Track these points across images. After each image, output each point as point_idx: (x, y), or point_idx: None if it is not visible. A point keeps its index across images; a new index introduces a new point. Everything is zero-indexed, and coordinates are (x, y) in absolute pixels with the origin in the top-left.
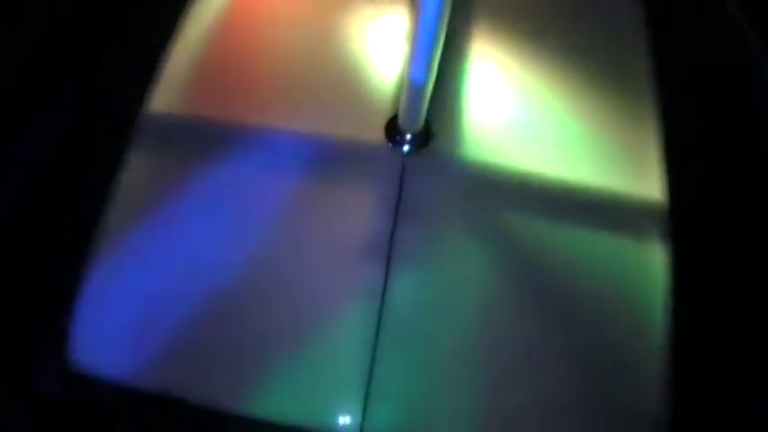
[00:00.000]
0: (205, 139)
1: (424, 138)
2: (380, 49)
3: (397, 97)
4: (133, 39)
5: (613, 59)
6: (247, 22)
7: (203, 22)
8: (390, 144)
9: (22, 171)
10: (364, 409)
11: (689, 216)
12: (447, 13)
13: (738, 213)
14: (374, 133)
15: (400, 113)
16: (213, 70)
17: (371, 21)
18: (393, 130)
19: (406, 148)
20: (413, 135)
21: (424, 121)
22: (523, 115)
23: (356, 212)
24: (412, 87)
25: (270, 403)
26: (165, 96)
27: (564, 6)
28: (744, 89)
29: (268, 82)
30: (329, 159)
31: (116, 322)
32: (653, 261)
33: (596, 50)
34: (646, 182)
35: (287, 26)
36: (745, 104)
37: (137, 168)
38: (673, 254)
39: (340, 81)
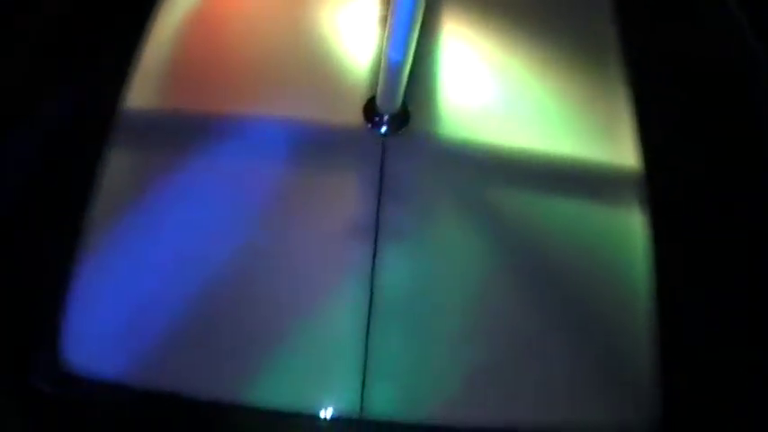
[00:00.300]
0: (184, 132)
1: (402, 118)
2: (355, 33)
3: (373, 79)
4: (113, 37)
5: (583, 36)
6: (220, 12)
7: (176, 15)
8: (369, 125)
9: (11, 170)
10: (362, 390)
11: (667, 182)
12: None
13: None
14: (352, 116)
15: (378, 95)
16: (188, 63)
17: (345, 5)
18: (371, 111)
19: (384, 129)
20: (391, 116)
21: (402, 102)
22: (498, 93)
23: (340, 195)
24: (389, 69)
25: (267, 391)
26: (142, 92)
27: None
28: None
29: (244, 71)
30: (309, 144)
31: (106, 320)
32: (632, 225)
33: (566, 28)
34: (620, 150)
35: (261, 13)
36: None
37: (118, 165)
38: (651, 218)
39: (316, 66)
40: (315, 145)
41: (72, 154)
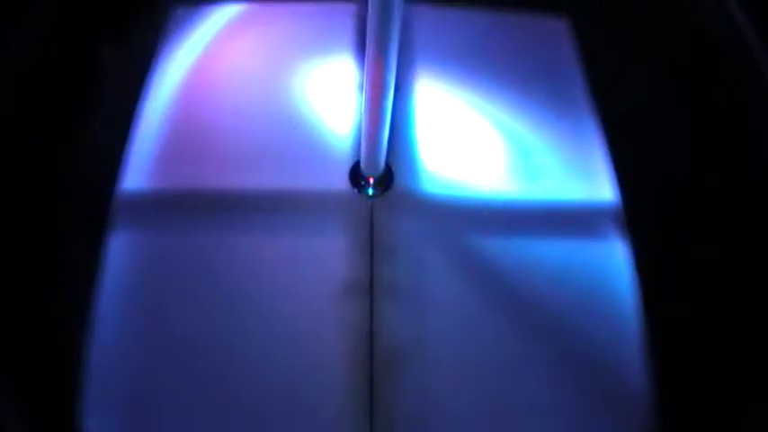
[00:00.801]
0: (179, 210)
1: (387, 179)
2: (335, 101)
3: (356, 145)
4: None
5: (546, 77)
6: (205, 90)
7: (163, 95)
8: (356, 189)
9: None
10: None
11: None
12: (393, 66)
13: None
14: (339, 181)
15: (362, 160)
16: (178, 140)
17: (324, 74)
18: (357, 175)
19: (371, 191)
20: (376, 178)
21: (385, 164)
22: (475, 145)
23: (334, 257)
24: (368, 135)
25: None
26: (136, 173)
27: (498, 41)
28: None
29: (233, 144)
30: (301, 212)
31: (120, 402)
32: (614, 256)
33: (532, 74)
34: (596, 185)
35: (244, 89)
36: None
37: (119, 248)
38: (634, 248)
39: (301, 135)
40: (306, 212)
41: (72, 235)
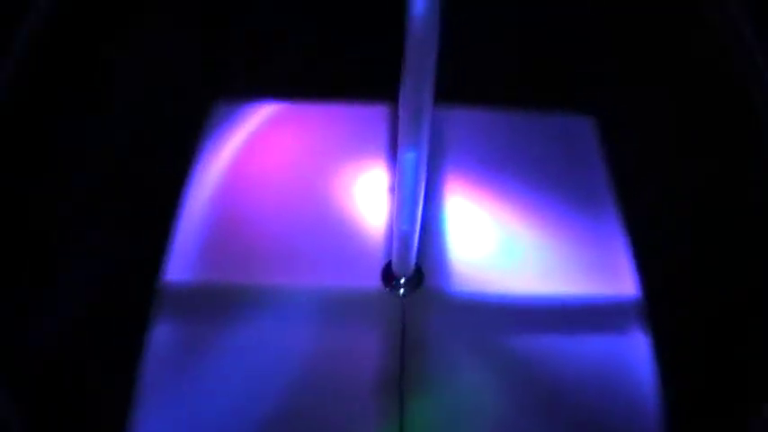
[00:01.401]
0: (219, 303)
1: (418, 278)
2: (368, 201)
3: (388, 245)
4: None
5: (572, 176)
6: (244, 188)
7: (205, 190)
8: (388, 289)
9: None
10: None
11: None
12: (424, 169)
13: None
14: (372, 280)
15: (393, 261)
16: (219, 236)
17: (358, 176)
18: (389, 275)
19: (402, 290)
20: (407, 278)
21: (416, 264)
22: (502, 245)
23: (366, 354)
24: (400, 238)
25: None
26: (179, 265)
27: (526, 142)
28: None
29: (271, 242)
30: (336, 309)
31: None
32: (638, 353)
33: (559, 174)
34: (619, 282)
35: (282, 187)
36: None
37: (161, 340)
38: (656, 342)
39: (335, 235)
40: (341, 309)
41: (115, 325)
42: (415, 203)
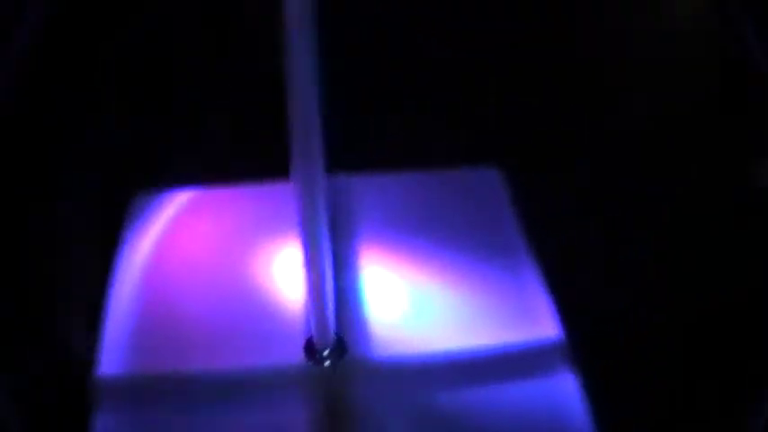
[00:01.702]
0: (153, 394)
1: (341, 349)
2: (286, 279)
3: (308, 319)
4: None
5: (483, 228)
6: (167, 276)
7: (128, 281)
8: (312, 363)
9: None
10: None
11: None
12: (326, 240)
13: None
14: (295, 356)
15: (314, 336)
16: (146, 326)
17: (274, 254)
18: (311, 349)
19: (326, 363)
20: (330, 350)
21: (337, 336)
22: (420, 304)
23: (296, 429)
24: (315, 312)
25: None
26: (110, 359)
27: (435, 199)
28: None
29: (196, 327)
30: (263, 388)
31: None
32: (567, 393)
33: (470, 226)
34: (540, 325)
35: (203, 272)
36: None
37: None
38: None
39: (259, 316)
40: (268, 388)
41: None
42: (323, 275)
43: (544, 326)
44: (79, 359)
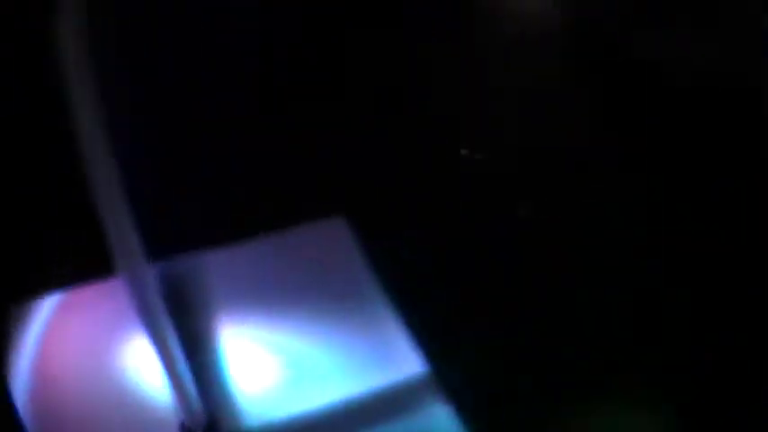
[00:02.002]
0: None
1: (213, 427)
2: (153, 368)
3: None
4: None
5: (339, 279)
6: (45, 383)
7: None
8: None
9: None
10: None
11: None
12: (166, 326)
13: None
14: None
15: (184, 419)
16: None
17: (139, 345)
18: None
19: None
20: (203, 430)
21: (208, 414)
22: (286, 367)
23: None
24: (178, 395)
25: None
26: None
27: (285, 259)
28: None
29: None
30: None
31: None
32: (443, 424)
33: (323, 280)
34: (406, 363)
35: (79, 374)
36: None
37: None
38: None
39: (133, 409)
40: None
41: None
42: (175, 359)
43: (408, 362)
44: None
